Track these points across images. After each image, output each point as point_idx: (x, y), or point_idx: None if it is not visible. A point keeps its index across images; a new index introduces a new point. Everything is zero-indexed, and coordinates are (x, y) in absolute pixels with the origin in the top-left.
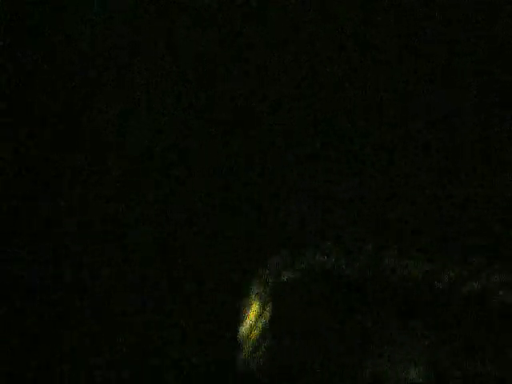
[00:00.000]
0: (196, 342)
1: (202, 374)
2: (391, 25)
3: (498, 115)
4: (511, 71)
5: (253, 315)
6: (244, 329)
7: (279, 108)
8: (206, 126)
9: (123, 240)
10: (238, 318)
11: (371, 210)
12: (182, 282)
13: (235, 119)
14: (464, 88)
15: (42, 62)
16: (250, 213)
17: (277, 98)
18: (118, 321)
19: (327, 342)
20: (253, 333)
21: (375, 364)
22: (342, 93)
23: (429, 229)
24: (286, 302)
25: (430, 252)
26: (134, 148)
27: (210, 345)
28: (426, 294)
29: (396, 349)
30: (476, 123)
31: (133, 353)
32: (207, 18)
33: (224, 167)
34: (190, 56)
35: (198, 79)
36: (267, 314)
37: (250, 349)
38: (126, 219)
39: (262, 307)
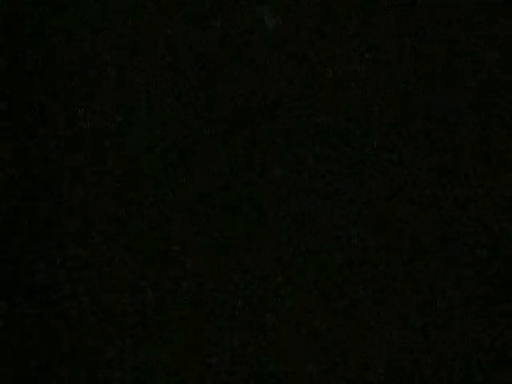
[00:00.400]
0: (196, 342)
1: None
2: (391, 25)
3: (498, 115)
4: (511, 71)
5: None
6: None
7: (279, 108)
8: (206, 125)
9: (123, 240)
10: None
11: (371, 209)
12: (181, 282)
13: (235, 119)
14: (464, 88)
15: (42, 62)
16: (250, 213)
17: (277, 98)
18: (117, 320)
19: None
20: None
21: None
22: (342, 93)
23: (429, 229)
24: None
25: (430, 252)
26: (134, 148)
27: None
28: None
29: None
30: (476, 123)
31: (132, 353)
32: (207, 18)
33: (224, 167)
34: (190, 56)
35: (198, 79)
36: None
37: None
38: (126, 219)
39: None
